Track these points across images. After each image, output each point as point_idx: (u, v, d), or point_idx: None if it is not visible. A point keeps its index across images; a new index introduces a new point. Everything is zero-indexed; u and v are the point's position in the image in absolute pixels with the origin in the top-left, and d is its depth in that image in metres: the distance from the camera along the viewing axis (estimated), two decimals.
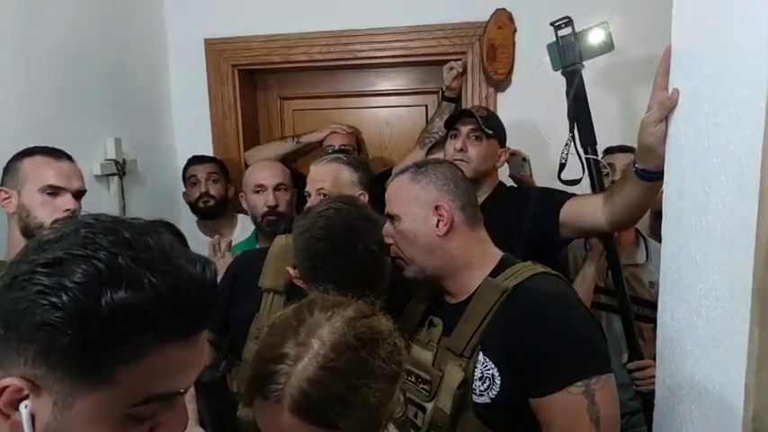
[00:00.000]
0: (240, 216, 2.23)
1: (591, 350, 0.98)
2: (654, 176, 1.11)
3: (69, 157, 1.44)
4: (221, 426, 1.29)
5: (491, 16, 2.12)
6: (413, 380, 1.08)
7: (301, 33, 2.27)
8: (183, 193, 2.24)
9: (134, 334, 0.49)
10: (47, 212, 1.33)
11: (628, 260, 1.68)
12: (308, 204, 1.55)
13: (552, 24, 1.60)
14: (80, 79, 1.87)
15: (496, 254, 1.12)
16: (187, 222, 2.20)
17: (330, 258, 1.10)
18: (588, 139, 1.57)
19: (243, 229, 2.18)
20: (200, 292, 0.53)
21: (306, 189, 1.65)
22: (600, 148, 1.62)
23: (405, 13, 2.19)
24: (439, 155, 1.90)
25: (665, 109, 0.96)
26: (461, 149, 1.60)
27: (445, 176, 1.13)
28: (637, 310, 1.60)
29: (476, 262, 1.10)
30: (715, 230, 0.84)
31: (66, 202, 1.36)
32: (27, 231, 1.34)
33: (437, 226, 1.09)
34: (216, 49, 2.35)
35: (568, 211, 1.48)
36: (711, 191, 0.84)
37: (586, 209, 1.44)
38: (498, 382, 0.98)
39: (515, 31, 2.12)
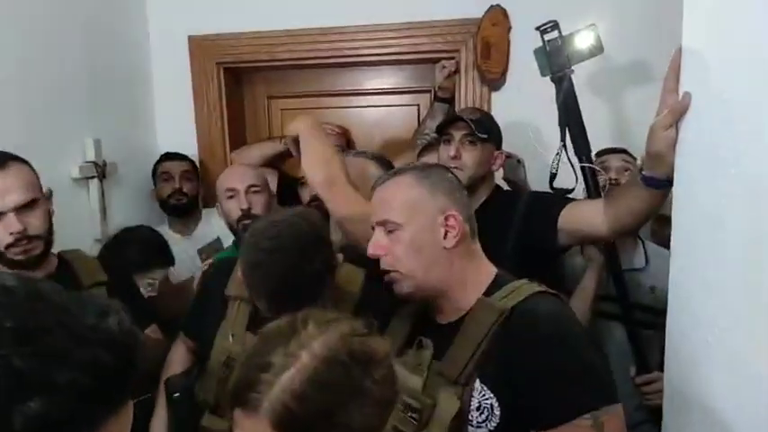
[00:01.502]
0: (204, 211, 2.20)
1: (598, 379, 0.90)
2: (661, 184, 1.06)
3: (2, 163, 1.23)
4: None
5: (485, 13, 2.05)
6: (400, 407, 0.99)
7: (289, 30, 2.19)
8: (152, 189, 2.17)
9: None
10: None
11: (626, 265, 1.63)
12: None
13: (538, 29, 1.54)
14: (57, 77, 1.79)
15: (491, 270, 1.05)
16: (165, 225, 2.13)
17: (267, 271, 1.07)
18: (582, 147, 1.51)
19: (206, 224, 2.15)
20: (125, 356, 0.47)
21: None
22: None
23: (396, 10, 2.12)
24: (431, 158, 1.85)
25: (676, 113, 0.90)
26: (455, 156, 1.53)
27: (452, 183, 1.05)
28: (638, 316, 1.55)
29: (471, 278, 1.02)
30: (730, 246, 0.78)
31: (7, 225, 1.21)
32: None
33: (444, 237, 1.00)
34: (200, 46, 2.27)
35: (567, 217, 1.41)
36: (727, 203, 0.78)
37: (586, 215, 1.38)
38: (498, 413, 0.91)
39: (510, 28, 2.06)
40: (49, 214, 1.34)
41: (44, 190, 1.35)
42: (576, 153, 1.51)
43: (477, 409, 0.92)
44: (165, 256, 1.81)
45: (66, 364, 0.42)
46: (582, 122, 1.53)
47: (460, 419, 0.92)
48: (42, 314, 0.44)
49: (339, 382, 0.64)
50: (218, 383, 1.22)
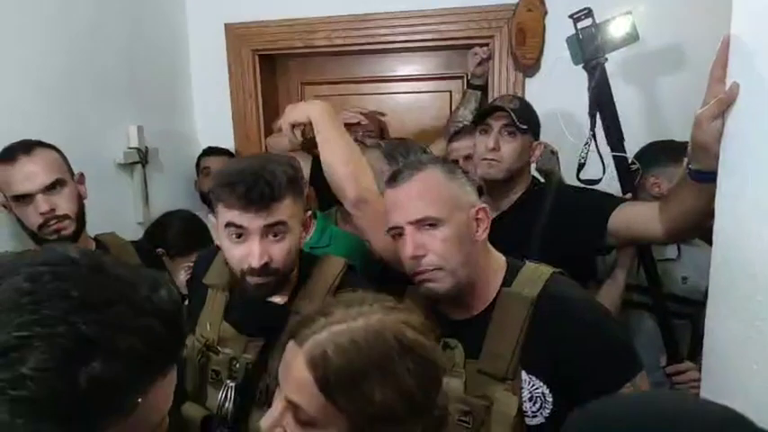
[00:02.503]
0: None
1: (630, 351, 0.97)
2: (710, 177, 0.99)
3: (27, 149, 1.30)
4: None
5: None
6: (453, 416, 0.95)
7: (322, 17, 2.21)
8: (195, 181, 2.24)
9: (120, 398, 0.47)
10: (31, 221, 1.30)
11: (659, 255, 1.62)
12: None
13: (571, 17, 1.51)
14: (101, 67, 1.85)
15: (502, 258, 1.05)
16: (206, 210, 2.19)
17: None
18: (615, 137, 1.48)
19: None
20: (176, 325, 0.51)
21: None
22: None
23: None
24: (461, 144, 1.84)
25: (723, 104, 0.89)
26: (494, 148, 1.48)
27: (470, 176, 1.07)
28: (669, 307, 1.54)
29: (492, 269, 1.02)
30: None
31: (37, 206, 1.28)
32: (36, 238, 1.33)
33: (477, 231, 1.00)
34: (236, 34, 2.31)
35: (619, 220, 1.36)
36: None
37: (640, 218, 1.32)
38: (550, 400, 0.92)
39: (546, 13, 2.03)
40: (80, 196, 1.40)
41: (75, 174, 1.41)
42: (609, 143, 1.49)
43: (530, 399, 0.93)
44: (204, 241, 1.87)
45: (126, 331, 0.46)
46: (615, 111, 1.50)
47: (521, 414, 0.92)
48: (104, 286, 0.48)
49: (375, 354, 0.67)
50: (196, 371, 1.15)
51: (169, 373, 0.53)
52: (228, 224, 1.04)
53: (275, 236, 1.04)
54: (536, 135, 1.57)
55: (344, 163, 1.20)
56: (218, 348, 1.13)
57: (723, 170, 0.91)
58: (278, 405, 0.70)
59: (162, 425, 0.56)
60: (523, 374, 0.93)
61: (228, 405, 1.09)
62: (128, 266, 0.54)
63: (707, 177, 1.02)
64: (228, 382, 1.10)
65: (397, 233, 1.02)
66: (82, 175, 1.44)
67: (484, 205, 1.02)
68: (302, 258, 1.15)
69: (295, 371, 0.67)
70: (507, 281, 1.00)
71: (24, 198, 1.29)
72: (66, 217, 1.33)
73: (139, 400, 0.49)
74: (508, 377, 0.93)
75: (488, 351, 0.95)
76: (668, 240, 1.36)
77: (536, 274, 0.99)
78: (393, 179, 1.03)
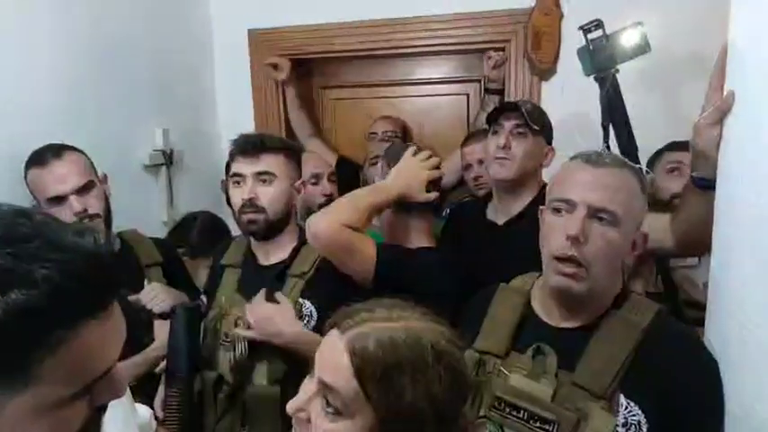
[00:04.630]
0: None
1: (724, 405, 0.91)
2: (712, 184, 0.99)
3: (58, 152, 1.38)
4: (196, 348, 1.37)
5: (537, 2, 2.04)
6: (521, 416, 0.93)
7: (341, 23, 2.26)
8: (222, 181, 2.28)
9: (42, 330, 0.48)
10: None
11: (680, 261, 1.60)
12: None
13: (581, 28, 1.51)
14: (129, 71, 1.92)
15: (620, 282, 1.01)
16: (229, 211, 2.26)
17: None
18: (627, 146, 1.47)
19: None
20: (98, 265, 0.52)
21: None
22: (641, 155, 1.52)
23: (447, 1, 2.14)
24: (473, 148, 1.85)
25: (721, 112, 0.90)
26: (504, 146, 1.48)
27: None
28: (692, 314, 1.52)
29: (613, 288, 0.98)
30: None
31: (72, 207, 1.36)
32: None
33: (631, 251, 0.96)
34: (259, 39, 2.38)
35: None
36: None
37: (652, 230, 1.26)
38: (644, 429, 0.88)
39: (562, 17, 2.04)
40: (106, 196, 1.48)
41: (99, 174, 1.49)
42: (622, 152, 1.47)
43: (624, 425, 0.88)
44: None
45: (42, 261, 0.48)
46: (627, 120, 1.49)
47: None
48: (24, 225, 0.51)
49: (411, 355, 0.69)
50: (212, 337, 1.35)
51: (103, 317, 0.53)
52: (233, 174, 1.34)
53: (263, 182, 1.31)
54: (548, 140, 1.56)
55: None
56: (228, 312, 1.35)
57: (721, 176, 0.93)
58: (308, 387, 0.72)
59: (113, 378, 0.56)
60: (621, 398, 0.89)
61: (230, 358, 1.28)
62: (52, 218, 0.56)
63: (710, 185, 1.02)
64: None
65: (560, 207, 0.95)
66: (105, 176, 1.52)
67: (647, 232, 0.99)
68: (301, 230, 1.36)
69: (335, 355, 0.70)
70: (618, 302, 0.97)
71: (57, 200, 1.37)
72: (96, 216, 1.41)
73: (66, 335, 0.50)
74: (606, 397, 0.89)
75: (588, 366, 0.91)
76: (681, 253, 1.33)
77: (644, 304, 0.97)
78: (588, 159, 0.97)
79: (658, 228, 1.24)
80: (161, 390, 1.37)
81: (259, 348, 1.27)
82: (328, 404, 0.70)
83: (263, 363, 1.27)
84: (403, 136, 2.27)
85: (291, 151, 1.39)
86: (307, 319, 1.29)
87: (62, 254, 0.49)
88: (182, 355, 1.33)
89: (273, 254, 1.38)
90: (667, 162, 1.68)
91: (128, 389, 0.87)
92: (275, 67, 2.30)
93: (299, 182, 1.39)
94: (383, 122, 2.28)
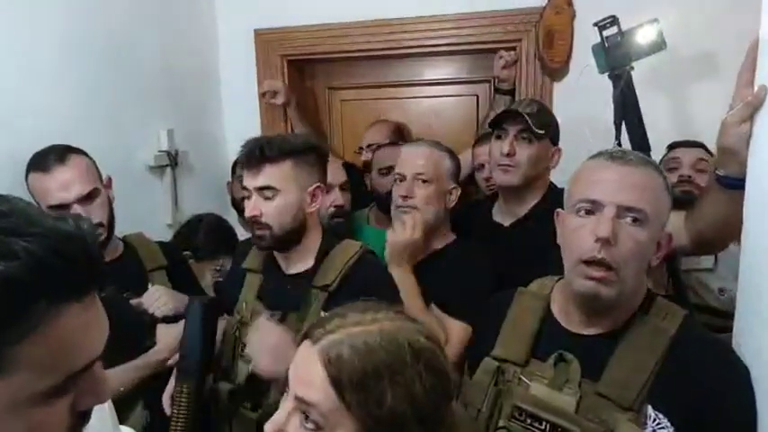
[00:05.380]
0: None
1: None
2: (739, 183, 0.95)
3: (61, 156, 1.33)
4: (210, 346, 1.31)
5: (548, 1, 2.01)
6: (543, 427, 0.90)
7: (349, 23, 2.23)
8: (228, 183, 2.26)
9: (22, 304, 0.47)
10: None
11: (694, 265, 1.56)
12: (400, 191, 1.49)
13: (596, 25, 1.48)
14: (134, 72, 1.90)
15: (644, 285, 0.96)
16: (235, 213, 2.23)
17: None
18: (640, 144, 1.44)
19: None
20: (82, 247, 0.50)
21: (397, 171, 1.54)
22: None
23: (457, 0, 2.11)
24: (482, 150, 1.80)
25: (751, 107, 0.87)
26: (509, 153, 1.45)
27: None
28: (703, 319, 1.48)
29: (639, 293, 0.94)
30: None
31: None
32: None
33: (656, 253, 0.91)
34: (265, 40, 2.35)
35: None
36: None
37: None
38: None
39: (574, 16, 2.01)
40: (110, 201, 1.43)
41: (104, 178, 1.44)
42: (634, 150, 1.45)
43: None
44: (231, 244, 1.90)
45: (22, 235, 0.47)
46: (641, 119, 1.46)
47: None
48: (2, 205, 0.49)
49: (388, 357, 0.67)
50: (230, 346, 1.31)
51: (87, 300, 0.52)
52: (243, 187, 1.28)
53: (266, 198, 1.24)
54: (554, 140, 1.53)
55: None
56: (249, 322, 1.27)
57: (751, 174, 0.89)
58: (285, 406, 0.70)
59: (95, 376, 0.54)
60: (649, 409, 0.85)
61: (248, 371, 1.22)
62: (34, 206, 0.54)
63: (736, 183, 0.98)
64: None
65: (586, 208, 0.90)
66: (110, 178, 1.47)
67: (671, 233, 0.95)
68: (324, 237, 1.32)
69: (309, 368, 0.67)
70: (644, 307, 0.93)
71: (60, 207, 1.31)
72: (99, 225, 1.36)
73: (47, 313, 0.48)
74: (634, 408, 0.85)
75: (614, 376, 0.87)
76: (695, 251, 1.29)
77: (672, 309, 0.92)
78: (613, 156, 0.92)
79: (672, 226, 1.18)
80: (171, 384, 1.31)
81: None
82: (307, 419, 0.67)
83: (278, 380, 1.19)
84: (397, 140, 2.17)
85: (302, 154, 1.26)
86: None
87: (44, 229, 0.48)
88: (194, 352, 1.27)
89: (295, 263, 1.31)
90: (667, 160, 1.70)
91: (113, 409, 0.83)
92: (273, 94, 2.25)
93: (314, 186, 1.27)
94: (371, 133, 2.18)
